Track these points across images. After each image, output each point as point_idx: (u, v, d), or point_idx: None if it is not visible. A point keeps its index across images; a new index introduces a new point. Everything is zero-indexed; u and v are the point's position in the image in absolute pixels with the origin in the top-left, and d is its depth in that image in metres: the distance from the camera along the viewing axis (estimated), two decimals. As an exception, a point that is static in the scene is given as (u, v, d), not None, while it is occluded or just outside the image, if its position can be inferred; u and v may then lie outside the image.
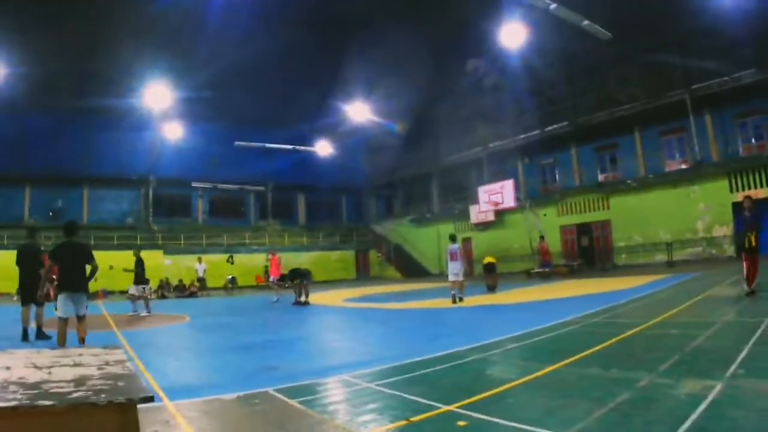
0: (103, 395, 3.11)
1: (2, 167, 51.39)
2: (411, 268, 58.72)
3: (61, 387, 3.27)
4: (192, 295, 39.86)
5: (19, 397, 3.04)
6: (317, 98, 55.00)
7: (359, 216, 72.01)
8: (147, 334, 16.89)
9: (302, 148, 61.17)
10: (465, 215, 53.28)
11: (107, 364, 3.97)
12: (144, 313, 22.05)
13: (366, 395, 7.50)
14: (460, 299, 23.35)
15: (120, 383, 3.40)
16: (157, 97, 50.33)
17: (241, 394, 7.72)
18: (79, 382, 3.41)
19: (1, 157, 50.75)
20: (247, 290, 42.85)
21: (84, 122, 53.87)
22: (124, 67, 47.46)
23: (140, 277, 23.39)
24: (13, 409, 2.88)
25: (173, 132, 56.38)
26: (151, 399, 3.15)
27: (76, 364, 3.98)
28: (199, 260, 36.28)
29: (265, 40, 45.92)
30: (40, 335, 15.33)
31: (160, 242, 52.08)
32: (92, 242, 46.79)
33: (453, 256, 24.43)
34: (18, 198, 54.87)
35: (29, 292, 15.12)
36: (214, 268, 45.24)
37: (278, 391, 7.78)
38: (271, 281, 30.11)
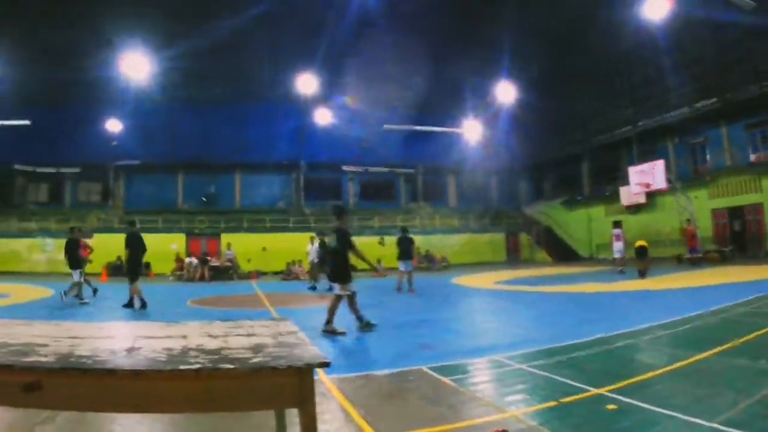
0: (281, 360, 3.31)
1: (156, 156, 53.73)
2: (561, 252, 57.47)
3: (240, 353, 3.48)
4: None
5: (201, 361, 3.28)
6: (466, 79, 54.56)
7: (509, 198, 70.45)
8: (301, 313, 17.31)
9: (451, 129, 60.40)
10: (615, 197, 51.47)
11: (280, 334, 4.18)
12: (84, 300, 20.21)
13: (517, 376, 7.68)
14: (622, 272, 28.51)
15: (296, 351, 3.60)
16: (308, 84, 51.18)
17: (395, 370, 8.01)
18: (255, 349, 3.62)
19: (156, 146, 52.80)
20: (395, 272, 42.92)
21: (236, 111, 55.20)
22: (273, 57, 48.39)
23: (73, 261, 20.50)
24: (197, 371, 3.12)
25: (323, 117, 56.89)
26: (327, 364, 3.32)
27: (249, 334, 4.20)
28: (311, 240, 31.82)
29: (414, 23, 46.03)
30: None
31: (312, 225, 52.02)
32: (245, 225, 48.11)
33: (617, 238, 30.56)
34: (171, 184, 57.32)
35: None
36: (366, 249, 45.75)
37: (432, 369, 8.01)
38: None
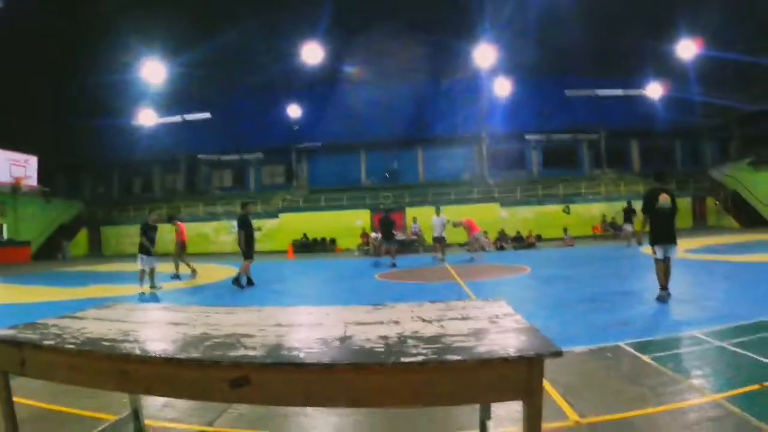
0: (510, 350, 3.13)
1: (338, 137, 56.90)
2: (748, 217, 54.61)
3: (461, 341, 3.34)
4: (530, 246, 40.53)
5: (423, 351, 3.14)
6: (646, 37, 52.81)
7: (694, 161, 67.56)
8: (491, 285, 17.44)
9: (632, 92, 59.76)
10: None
11: (497, 317, 4.03)
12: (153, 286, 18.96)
13: (716, 354, 7.57)
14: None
15: (521, 337, 3.44)
16: (485, 55, 52.13)
17: (593, 347, 7.99)
18: (477, 335, 3.48)
19: (336, 127, 55.63)
20: (583, 240, 42.63)
21: (415, 87, 56.48)
22: (453, 32, 48.57)
23: (143, 246, 19.12)
24: (421, 364, 2.97)
25: (503, 87, 57.36)
26: (559, 354, 3.08)
27: (464, 318, 4.08)
28: (437, 212, 32.83)
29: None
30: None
31: (496, 195, 53.23)
32: (429, 198, 48.77)
33: None
34: (353, 163, 60.08)
35: None
36: (550, 218, 47.46)
37: (629, 345, 8.05)
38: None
